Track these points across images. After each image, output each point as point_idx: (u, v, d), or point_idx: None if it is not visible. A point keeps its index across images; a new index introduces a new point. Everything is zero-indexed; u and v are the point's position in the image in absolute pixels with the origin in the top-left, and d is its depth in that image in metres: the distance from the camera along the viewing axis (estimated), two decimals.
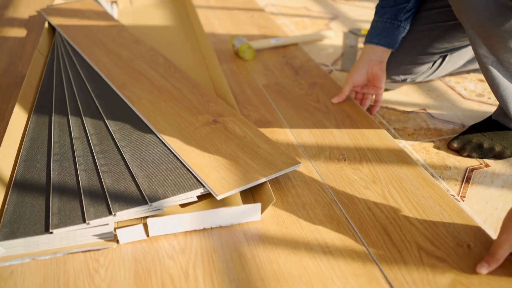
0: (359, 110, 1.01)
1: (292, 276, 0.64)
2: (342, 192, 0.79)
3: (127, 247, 0.68)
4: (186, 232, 0.71)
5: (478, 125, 0.96)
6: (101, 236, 0.69)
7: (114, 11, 1.57)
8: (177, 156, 0.82)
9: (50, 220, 0.68)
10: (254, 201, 0.77)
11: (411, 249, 0.67)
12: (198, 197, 0.76)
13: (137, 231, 0.69)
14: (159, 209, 0.72)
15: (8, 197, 0.74)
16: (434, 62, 1.06)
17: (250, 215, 0.72)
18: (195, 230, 0.72)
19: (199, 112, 0.94)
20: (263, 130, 0.95)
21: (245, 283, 0.63)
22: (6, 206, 0.72)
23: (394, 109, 1.08)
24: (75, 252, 0.67)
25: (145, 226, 0.69)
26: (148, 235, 0.70)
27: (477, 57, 0.85)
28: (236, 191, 0.74)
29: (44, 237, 0.67)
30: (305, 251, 0.68)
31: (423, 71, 1.07)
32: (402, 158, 0.86)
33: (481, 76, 1.21)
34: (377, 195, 0.77)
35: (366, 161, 0.85)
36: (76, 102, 0.99)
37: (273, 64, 1.23)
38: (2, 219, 0.69)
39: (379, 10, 1.01)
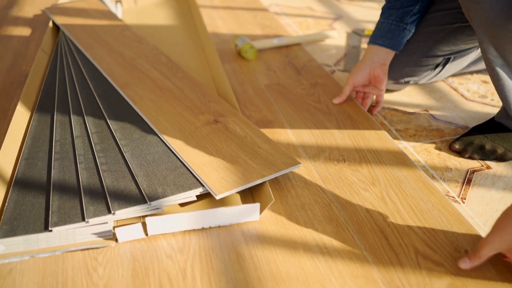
0: (360, 111, 1.00)
1: (290, 277, 0.64)
2: (341, 193, 0.79)
3: (125, 246, 0.69)
4: (184, 231, 0.72)
5: (481, 126, 0.95)
6: (100, 234, 0.69)
7: (118, 10, 1.58)
8: (177, 155, 0.82)
9: (50, 218, 0.69)
10: (254, 201, 0.78)
11: (408, 252, 0.67)
12: (197, 196, 0.76)
13: (135, 230, 0.69)
14: (158, 208, 0.72)
15: (8, 195, 0.74)
16: (438, 65, 1.06)
17: (248, 215, 0.73)
18: (193, 230, 0.72)
19: (201, 111, 0.95)
20: (264, 130, 0.95)
21: (243, 283, 0.63)
22: (6, 203, 0.72)
23: (396, 110, 1.08)
24: (74, 250, 0.68)
25: (144, 225, 0.69)
26: (147, 234, 0.70)
27: (484, 56, 0.84)
28: (235, 191, 0.74)
29: (44, 235, 0.67)
30: (303, 251, 0.68)
31: (427, 73, 1.07)
32: (402, 160, 0.85)
33: (485, 77, 1.20)
34: (376, 197, 0.77)
35: (366, 162, 0.85)
36: (78, 101, 0.99)
37: (275, 64, 1.23)
38: (2, 217, 0.70)
39: (385, 11, 1.00)
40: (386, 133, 0.93)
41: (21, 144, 0.87)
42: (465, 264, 0.63)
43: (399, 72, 1.07)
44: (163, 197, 0.73)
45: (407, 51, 1.04)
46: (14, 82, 1.14)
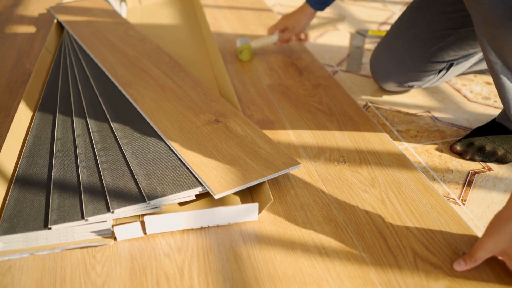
0: (361, 112, 1.00)
1: (287, 277, 0.64)
2: (340, 194, 0.79)
3: (124, 244, 0.69)
4: (183, 230, 0.72)
5: (482, 128, 0.95)
6: (99, 233, 0.70)
7: (122, 10, 1.58)
8: (178, 154, 0.82)
9: (49, 216, 0.69)
10: (253, 201, 0.78)
11: (406, 254, 0.67)
12: (196, 196, 0.76)
13: (134, 228, 0.69)
14: (157, 207, 0.73)
15: (9, 193, 0.75)
16: (442, 69, 1.05)
17: (247, 215, 0.73)
18: (192, 229, 0.72)
19: (202, 111, 0.95)
20: (265, 130, 0.95)
21: (240, 282, 0.64)
22: (7, 201, 0.73)
23: (398, 111, 1.07)
24: (73, 248, 0.68)
25: (142, 224, 0.70)
26: (145, 233, 0.71)
27: (485, 57, 0.83)
28: (234, 190, 0.74)
29: (43, 233, 0.68)
30: (301, 252, 0.68)
31: (430, 77, 1.06)
32: (402, 162, 0.85)
33: (488, 79, 1.20)
34: (375, 199, 0.77)
35: (366, 164, 0.85)
36: (81, 99, 1.00)
37: (277, 64, 1.23)
38: (2, 214, 0.70)
39: None
40: (386, 134, 0.93)
41: (23, 142, 0.88)
42: (460, 267, 0.63)
43: (403, 76, 1.06)
44: (162, 196, 0.73)
45: (412, 56, 1.03)
46: (18, 81, 1.14)
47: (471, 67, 1.15)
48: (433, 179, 0.86)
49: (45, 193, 0.75)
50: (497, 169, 0.89)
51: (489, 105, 1.09)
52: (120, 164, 0.80)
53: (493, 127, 0.94)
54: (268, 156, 0.81)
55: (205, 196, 0.78)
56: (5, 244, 0.67)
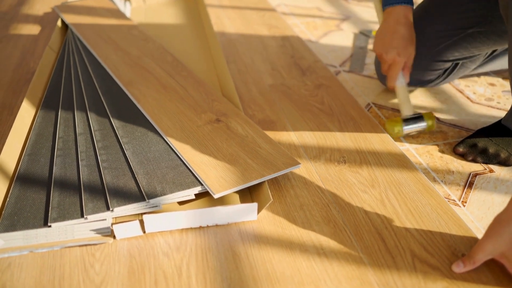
0: (363, 113, 1.00)
1: (285, 277, 0.64)
2: (340, 194, 0.78)
3: (123, 243, 0.69)
4: (182, 229, 0.72)
5: (486, 129, 0.94)
6: (99, 231, 0.70)
7: (126, 9, 1.59)
8: (178, 154, 0.82)
9: (49, 214, 0.70)
10: (252, 201, 0.78)
11: (404, 255, 0.67)
12: (196, 195, 0.76)
13: (133, 227, 0.69)
14: (156, 206, 0.73)
15: (10, 190, 0.75)
16: (446, 69, 1.05)
17: (246, 214, 0.73)
18: (191, 228, 0.72)
19: (203, 110, 0.95)
20: (266, 130, 0.95)
21: (237, 282, 0.64)
22: (8, 198, 0.73)
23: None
24: (72, 246, 0.68)
25: (142, 223, 0.70)
26: (144, 232, 0.71)
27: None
28: (233, 190, 0.74)
29: (43, 230, 0.68)
30: (299, 252, 0.68)
31: (435, 77, 1.06)
32: (403, 163, 0.85)
33: (492, 80, 1.19)
34: (374, 199, 0.77)
35: (366, 164, 0.85)
36: (83, 98, 1.00)
37: (280, 64, 1.23)
38: (3, 212, 0.71)
39: None
40: (388, 135, 0.92)
41: (25, 140, 0.89)
42: (458, 268, 0.63)
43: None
44: (161, 195, 0.73)
45: (416, 55, 1.03)
46: (22, 79, 1.15)
47: (475, 69, 1.15)
48: (434, 180, 0.86)
49: (46, 191, 0.75)
50: (498, 170, 0.88)
51: (492, 107, 1.08)
52: (120, 162, 0.81)
53: (497, 129, 0.93)
54: (268, 156, 0.81)
55: (204, 195, 0.78)
56: (5, 242, 0.67)
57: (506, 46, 1.00)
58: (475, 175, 0.87)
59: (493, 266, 0.64)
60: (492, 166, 0.89)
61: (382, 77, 1.12)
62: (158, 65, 1.14)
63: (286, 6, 1.74)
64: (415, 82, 1.07)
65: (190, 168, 0.79)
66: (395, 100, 1.11)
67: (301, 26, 1.56)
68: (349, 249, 0.68)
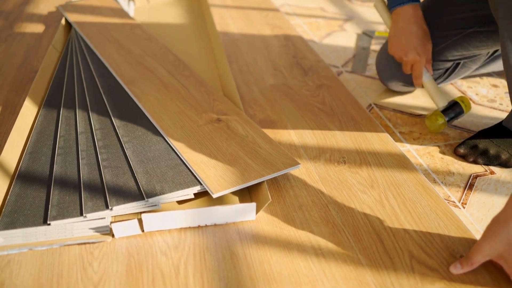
0: (364, 113, 1.00)
1: (282, 277, 0.64)
2: (339, 195, 0.78)
3: (122, 242, 0.70)
4: (180, 228, 0.72)
5: (487, 130, 0.94)
6: (98, 229, 0.71)
7: (130, 9, 1.59)
8: (178, 153, 0.83)
9: (49, 212, 0.70)
10: (251, 200, 0.78)
11: (403, 256, 0.67)
12: (195, 194, 0.77)
13: (132, 226, 0.70)
14: (155, 205, 0.73)
15: (11, 188, 0.76)
16: (447, 69, 1.05)
17: (244, 214, 0.73)
18: (190, 227, 0.73)
19: (204, 110, 0.95)
20: (266, 130, 0.95)
21: (235, 281, 0.64)
22: (8, 196, 0.74)
23: (402, 112, 1.07)
24: (71, 244, 0.69)
25: (140, 222, 0.70)
26: (143, 230, 0.71)
27: (505, 58, 0.81)
28: (232, 190, 0.74)
29: (42, 228, 0.69)
30: (297, 252, 0.68)
31: (436, 77, 1.06)
32: (403, 163, 0.85)
33: (495, 81, 1.18)
34: (373, 200, 0.77)
35: (366, 165, 0.85)
36: (85, 97, 1.01)
37: (282, 64, 1.23)
38: (3, 209, 0.71)
39: None
40: (388, 136, 0.92)
41: (27, 138, 0.89)
42: (456, 270, 0.63)
43: (410, 76, 1.06)
44: (160, 194, 0.73)
45: None
46: (25, 78, 1.16)
47: (477, 69, 1.14)
48: (434, 181, 0.86)
49: (46, 189, 0.76)
50: (499, 172, 0.88)
51: (494, 108, 1.08)
52: (120, 161, 0.81)
53: (498, 130, 0.93)
54: (268, 156, 0.81)
55: (204, 195, 0.78)
56: (4, 239, 0.68)
57: None
58: (476, 176, 0.87)
59: (491, 268, 0.64)
60: (493, 168, 0.89)
61: (383, 78, 1.11)
62: (160, 64, 1.15)
63: (289, 6, 1.74)
64: None
65: (190, 168, 0.79)
66: (396, 101, 1.11)
67: (304, 26, 1.56)
68: (347, 250, 0.68)
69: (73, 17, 1.41)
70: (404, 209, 0.75)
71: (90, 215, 0.70)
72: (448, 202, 0.81)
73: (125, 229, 0.70)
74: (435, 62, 1.02)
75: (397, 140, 0.97)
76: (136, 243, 0.70)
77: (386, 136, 0.92)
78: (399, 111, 1.07)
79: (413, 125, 1.02)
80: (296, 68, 1.21)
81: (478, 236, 0.73)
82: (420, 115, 1.05)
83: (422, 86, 1.00)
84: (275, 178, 0.82)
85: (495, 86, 1.16)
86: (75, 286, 0.63)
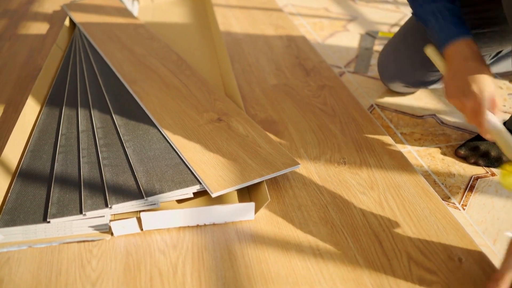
0: (365, 115, 1.00)
1: (280, 277, 0.65)
2: (338, 196, 0.78)
3: (120, 240, 0.70)
4: (179, 227, 0.73)
5: None
6: (97, 227, 0.71)
7: (134, 8, 1.60)
8: (178, 152, 0.83)
9: (49, 210, 0.70)
10: (250, 200, 0.78)
11: (401, 258, 0.66)
12: (196, 193, 0.77)
13: (131, 224, 0.70)
14: (154, 204, 0.74)
15: (12, 186, 0.76)
16: None
17: (243, 214, 0.73)
18: (188, 226, 0.73)
19: (205, 110, 0.95)
20: (267, 130, 0.95)
21: (232, 281, 0.64)
22: (9, 194, 0.74)
23: (404, 113, 1.06)
24: (70, 242, 0.69)
25: (139, 220, 0.71)
26: (142, 229, 0.71)
27: None
28: (231, 189, 0.74)
29: (42, 226, 0.69)
30: (295, 252, 0.68)
31: (437, 79, 1.05)
32: (403, 165, 0.84)
33: (498, 83, 1.18)
34: (373, 202, 0.77)
35: (366, 166, 0.85)
36: (87, 96, 1.01)
37: (285, 65, 1.23)
38: (4, 207, 0.72)
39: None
40: (389, 137, 0.92)
41: (29, 136, 0.90)
42: None
43: (410, 76, 1.05)
44: (160, 193, 0.74)
45: (420, 55, 1.02)
46: (28, 76, 1.17)
47: None
48: (434, 183, 0.85)
49: (47, 187, 0.76)
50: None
51: None
52: (121, 160, 0.81)
53: None
54: (268, 156, 0.81)
55: (203, 194, 0.78)
56: (4, 236, 0.68)
57: (510, 47, 0.99)
58: (477, 178, 0.86)
59: (489, 271, 0.64)
60: (494, 170, 0.88)
61: (385, 78, 1.11)
62: (162, 64, 1.15)
63: (293, 6, 1.74)
64: (418, 83, 1.06)
65: (190, 167, 0.79)
66: (398, 102, 1.11)
67: (307, 27, 1.56)
68: (345, 250, 0.68)
69: (77, 16, 1.41)
70: (403, 211, 0.75)
71: (89, 213, 0.70)
72: (448, 204, 0.80)
73: (124, 228, 0.70)
74: None
75: (398, 141, 0.97)
76: (134, 241, 0.70)
77: (387, 138, 0.92)
78: (401, 111, 1.07)
79: (414, 126, 1.02)
80: (298, 69, 1.21)
81: (477, 238, 0.73)
82: (422, 116, 1.05)
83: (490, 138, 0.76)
84: (274, 178, 0.82)
85: (499, 87, 1.16)
86: (73, 284, 0.63)
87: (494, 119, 0.74)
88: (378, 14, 1.66)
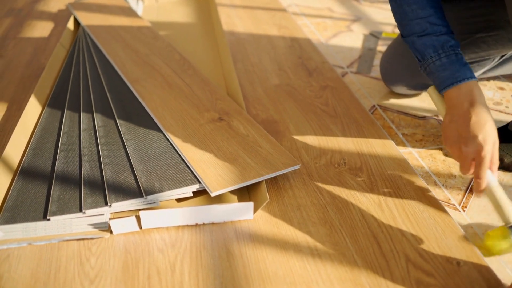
0: (367, 116, 0.99)
1: (277, 276, 0.65)
2: (338, 196, 0.78)
3: (119, 238, 0.70)
4: (178, 226, 0.73)
5: None
6: (96, 225, 0.71)
7: (139, 8, 1.61)
8: (179, 151, 0.83)
9: (49, 208, 0.71)
10: (250, 200, 0.78)
11: (399, 260, 0.66)
12: (194, 193, 0.77)
13: (130, 222, 0.70)
14: (154, 203, 0.74)
15: (13, 183, 0.77)
16: None
17: (242, 213, 0.73)
18: (187, 225, 0.73)
19: (206, 109, 0.96)
20: (268, 129, 0.95)
21: (229, 280, 0.64)
22: (10, 191, 0.75)
23: (406, 114, 1.06)
24: (70, 240, 0.70)
25: (138, 219, 0.71)
26: (141, 228, 0.72)
27: None
28: (230, 189, 0.75)
29: (42, 223, 0.70)
30: (293, 252, 0.68)
31: None
32: (403, 168, 0.84)
33: (502, 84, 1.17)
34: (372, 203, 0.76)
35: (366, 168, 0.84)
36: (90, 94, 1.02)
37: (287, 65, 1.23)
38: (5, 204, 0.73)
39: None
40: (390, 140, 0.92)
41: (31, 134, 0.91)
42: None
43: (413, 78, 1.05)
44: (159, 192, 0.74)
45: None
46: (32, 75, 1.17)
47: (484, 73, 1.13)
48: (435, 184, 0.85)
49: (47, 185, 0.77)
50: (501, 176, 0.87)
51: (500, 111, 1.07)
52: (121, 159, 0.82)
53: (503, 134, 0.91)
54: (268, 155, 0.82)
55: (203, 193, 0.78)
56: (4, 233, 0.69)
57: None
58: None
59: (488, 276, 0.63)
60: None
61: (387, 81, 1.11)
62: (165, 63, 1.15)
63: (297, 7, 1.74)
64: (421, 86, 1.06)
65: (189, 166, 0.79)
66: (400, 103, 1.10)
67: (311, 27, 1.56)
68: (343, 251, 0.68)
69: (81, 15, 1.42)
70: (402, 213, 0.74)
71: (89, 211, 0.71)
72: (448, 205, 0.80)
73: (123, 226, 0.71)
74: None
75: (399, 142, 0.96)
76: (133, 240, 0.70)
77: (389, 142, 0.91)
78: (403, 112, 1.07)
79: (416, 127, 1.01)
80: (301, 69, 1.20)
81: (476, 240, 0.72)
82: (423, 117, 1.05)
83: (482, 193, 0.72)
84: (274, 177, 0.82)
85: (501, 89, 1.15)
86: (72, 281, 0.63)
87: (491, 175, 0.70)
88: (382, 14, 1.66)
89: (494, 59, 1.03)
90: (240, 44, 1.36)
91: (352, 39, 1.45)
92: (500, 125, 0.96)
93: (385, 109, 1.08)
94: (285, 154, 0.82)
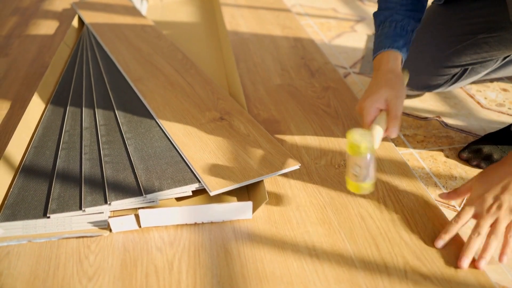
0: None
1: (275, 276, 0.65)
2: (338, 197, 0.78)
3: (119, 236, 0.71)
4: (177, 225, 0.73)
5: (493, 135, 0.92)
6: (96, 224, 0.72)
7: (143, 7, 1.61)
8: (179, 151, 0.84)
9: (49, 205, 0.71)
10: (249, 199, 0.78)
11: (397, 262, 0.66)
12: (194, 192, 0.77)
13: (129, 221, 0.71)
14: (153, 201, 0.74)
15: (14, 181, 0.78)
16: (455, 74, 1.03)
17: (241, 213, 0.73)
18: (186, 224, 0.73)
19: (208, 108, 0.96)
20: (269, 129, 0.95)
21: (227, 279, 0.64)
22: (11, 189, 0.76)
23: (408, 115, 1.06)
24: (69, 238, 0.70)
25: (137, 217, 0.71)
26: (140, 226, 0.72)
27: None
28: (230, 188, 0.75)
29: (42, 221, 0.70)
30: (291, 252, 0.68)
31: (444, 82, 1.04)
32: (404, 171, 0.84)
33: (505, 85, 1.16)
34: (372, 205, 0.76)
35: None
36: (92, 93, 1.03)
37: (290, 65, 1.23)
38: (5, 202, 0.73)
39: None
40: (391, 143, 0.91)
41: (33, 132, 0.91)
42: (439, 242, 0.69)
43: (415, 79, 1.04)
44: (159, 190, 0.74)
45: (425, 59, 1.02)
46: (36, 73, 1.18)
47: (488, 74, 1.12)
48: (436, 185, 0.85)
49: (48, 183, 0.77)
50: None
51: (502, 113, 1.06)
52: (122, 157, 0.82)
53: (505, 136, 0.91)
54: (268, 155, 0.82)
55: (202, 192, 0.79)
56: (5, 231, 0.69)
57: None
58: None
59: (484, 282, 0.63)
60: None
61: None
62: (167, 62, 1.16)
63: (301, 7, 1.74)
64: (423, 87, 1.05)
65: (189, 165, 0.80)
66: (404, 103, 1.10)
67: (315, 27, 1.56)
68: (341, 251, 0.68)
69: (86, 15, 1.43)
70: (401, 216, 0.74)
71: (88, 210, 0.71)
72: (448, 207, 0.80)
73: (123, 224, 0.71)
74: (443, 67, 1.01)
75: (400, 143, 0.96)
76: (132, 238, 0.71)
77: (389, 144, 0.91)
78: (405, 113, 1.06)
79: (417, 128, 1.01)
80: (303, 69, 1.20)
81: None
82: (425, 118, 1.04)
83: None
84: (274, 177, 0.82)
85: (505, 90, 1.15)
86: (70, 278, 0.64)
87: (378, 128, 0.73)
88: None
89: (497, 61, 1.03)
90: (243, 44, 1.36)
91: (356, 39, 1.45)
92: (503, 126, 0.96)
93: None
94: (286, 154, 0.82)
